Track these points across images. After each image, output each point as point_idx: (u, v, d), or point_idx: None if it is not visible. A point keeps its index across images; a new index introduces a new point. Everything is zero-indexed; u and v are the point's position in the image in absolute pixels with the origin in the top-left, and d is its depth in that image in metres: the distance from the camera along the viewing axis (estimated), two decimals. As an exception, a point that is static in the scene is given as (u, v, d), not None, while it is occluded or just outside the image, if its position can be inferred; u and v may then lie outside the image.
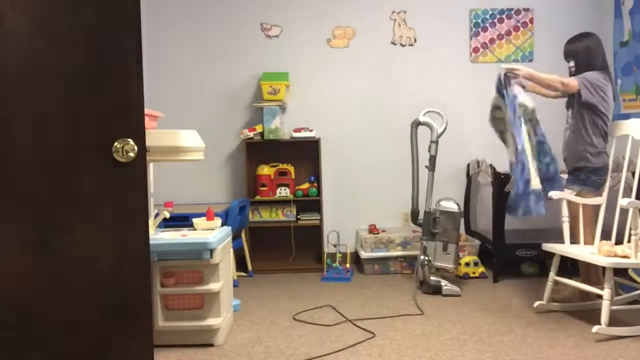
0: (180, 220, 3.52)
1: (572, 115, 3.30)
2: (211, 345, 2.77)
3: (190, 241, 2.73)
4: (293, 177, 4.48)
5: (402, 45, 4.60)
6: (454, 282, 3.74)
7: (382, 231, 4.41)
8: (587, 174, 3.23)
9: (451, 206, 3.71)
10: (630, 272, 3.44)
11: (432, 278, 3.64)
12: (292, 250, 4.55)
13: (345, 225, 4.56)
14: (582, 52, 3.30)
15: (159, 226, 3.13)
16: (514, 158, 3.27)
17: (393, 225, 4.59)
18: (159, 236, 2.83)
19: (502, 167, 3.99)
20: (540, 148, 3.27)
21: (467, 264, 4.01)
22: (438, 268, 3.72)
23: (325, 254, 4.44)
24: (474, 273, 4.01)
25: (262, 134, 4.39)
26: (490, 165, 3.94)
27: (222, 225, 3.15)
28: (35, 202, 1.57)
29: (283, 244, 4.55)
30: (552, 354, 2.57)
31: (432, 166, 3.78)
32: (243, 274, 4.26)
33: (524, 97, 3.22)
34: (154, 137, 2.75)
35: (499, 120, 3.44)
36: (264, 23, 4.60)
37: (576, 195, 3.22)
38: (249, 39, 4.59)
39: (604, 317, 2.74)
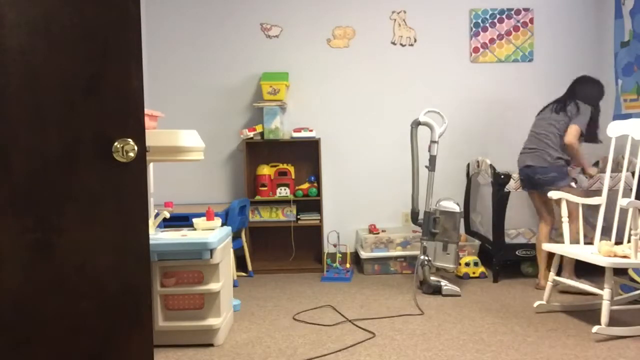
0: (180, 220, 3.53)
1: None
2: (211, 345, 2.77)
3: (190, 241, 2.73)
4: (293, 177, 4.48)
5: (402, 45, 4.60)
6: (454, 282, 3.74)
7: (382, 231, 4.41)
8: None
9: (451, 206, 3.71)
10: (630, 272, 3.44)
11: (432, 278, 3.64)
12: (292, 250, 4.56)
13: (345, 225, 4.57)
14: None
15: (159, 226, 3.13)
16: None
17: (393, 225, 4.59)
18: (159, 236, 2.83)
19: (502, 167, 4.00)
20: None
21: (467, 264, 4.01)
22: (438, 268, 3.72)
23: (325, 254, 4.44)
24: (474, 273, 4.01)
25: (262, 134, 4.39)
26: (490, 165, 3.94)
27: (222, 225, 3.15)
28: (35, 202, 1.57)
29: (283, 244, 4.55)
30: (552, 354, 2.57)
31: (432, 166, 3.78)
32: (243, 274, 4.26)
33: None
34: (154, 137, 2.75)
35: None
36: (264, 23, 4.60)
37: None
38: (249, 39, 4.59)
39: (604, 317, 2.74)
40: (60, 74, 1.58)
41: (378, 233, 4.35)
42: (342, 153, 4.61)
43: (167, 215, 2.96)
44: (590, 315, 3.08)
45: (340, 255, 4.36)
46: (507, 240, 3.95)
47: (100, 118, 1.60)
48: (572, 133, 3.56)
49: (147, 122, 2.98)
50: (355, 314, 3.25)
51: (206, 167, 4.53)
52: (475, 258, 4.08)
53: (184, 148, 2.83)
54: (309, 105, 4.60)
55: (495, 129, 4.58)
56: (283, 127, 4.48)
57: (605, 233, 3.22)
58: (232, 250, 3.37)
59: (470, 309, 3.29)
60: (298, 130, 4.38)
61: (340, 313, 3.26)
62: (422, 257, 3.69)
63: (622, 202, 2.80)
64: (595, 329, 2.74)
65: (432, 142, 3.77)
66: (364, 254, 4.23)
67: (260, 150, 4.54)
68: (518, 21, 4.57)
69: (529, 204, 4.26)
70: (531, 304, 3.28)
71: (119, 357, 1.66)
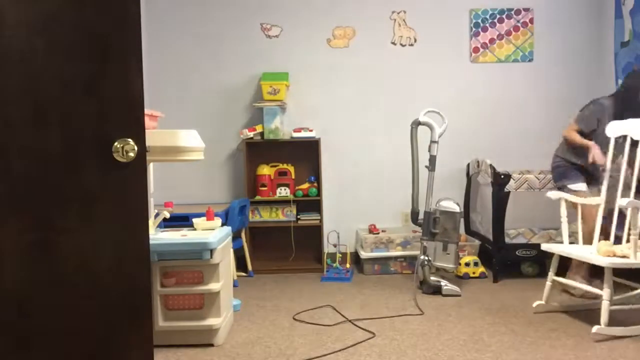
0: (180, 220, 3.53)
1: None
2: (211, 345, 2.77)
3: (190, 241, 2.73)
4: (293, 177, 4.48)
5: (402, 45, 4.61)
6: (454, 282, 3.74)
7: (382, 231, 4.41)
8: None
9: (451, 206, 3.71)
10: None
11: (432, 278, 3.64)
12: (292, 250, 4.56)
13: (345, 225, 4.57)
14: None
15: (159, 226, 3.13)
16: None
17: (393, 225, 4.59)
18: (159, 236, 2.83)
19: (502, 167, 3.99)
20: None
21: (467, 264, 4.01)
22: (438, 268, 3.72)
23: (325, 254, 4.44)
24: (474, 273, 4.01)
25: (262, 134, 4.39)
26: (490, 165, 3.94)
27: (222, 225, 3.15)
28: (35, 202, 1.57)
29: (283, 244, 4.55)
30: (552, 354, 2.57)
31: (432, 166, 3.78)
32: (243, 274, 4.26)
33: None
34: (154, 137, 2.75)
35: None
36: (264, 23, 4.60)
37: None
38: (249, 39, 4.59)
39: (604, 317, 2.74)
40: (60, 74, 1.58)
41: (378, 233, 4.35)
42: (342, 153, 4.61)
43: (167, 215, 2.96)
44: (590, 315, 3.07)
45: (340, 255, 4.37)
46: (507, 240, 3.95)
47: (100, 118, 1.60)
48: (567, 128, 3.60)
49: (147, 122, 2.98)
50: (355, 314, 3.25)
51: (206, 167, 4.53)
52: (475, 258, 4.08)
53: (184, 148, 2.83)
54: (309, 105, 4.60)
55: (495, 129, 4.58)
56: (283, 127, 4.48)
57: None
58: (232, 250, 3.37)
59: (470, 309, 3.29)
60: (298, 130, 4.38)
61: (340, 313, 3.26)
62: (422, 257, 3.69)
63: (621, 202, 2.80)
64: (595, 329, 2.74)
65: (432, 142, 3.77)
66: (364, 254, 4.23)
67: (260, 150, 4.54)
68: (518, 21, 4.57)
69: (529, 204, 4.26)
70: (531, 304, 3.28)
71: (119, 357, 1.66)
